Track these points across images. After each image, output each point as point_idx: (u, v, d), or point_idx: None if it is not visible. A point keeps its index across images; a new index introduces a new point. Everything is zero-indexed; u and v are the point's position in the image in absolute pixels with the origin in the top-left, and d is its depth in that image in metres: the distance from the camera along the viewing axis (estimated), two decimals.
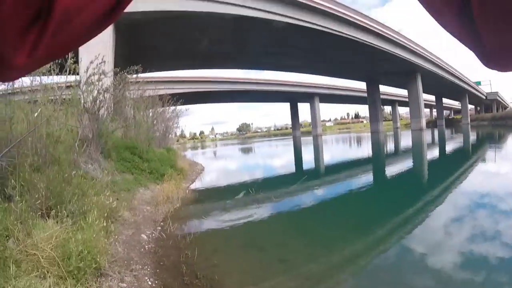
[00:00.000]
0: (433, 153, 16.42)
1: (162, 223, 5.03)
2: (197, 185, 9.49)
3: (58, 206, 3.60)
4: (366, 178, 10.16)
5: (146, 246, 4.02)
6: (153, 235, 4.49)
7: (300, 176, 9.43)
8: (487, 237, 4.00)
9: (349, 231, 4.77)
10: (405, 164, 12.95)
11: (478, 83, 70.15)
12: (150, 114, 12.08)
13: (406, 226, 4.77)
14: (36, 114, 4.07)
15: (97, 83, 7.27)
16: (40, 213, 3.37)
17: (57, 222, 3.46)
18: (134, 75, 10.73)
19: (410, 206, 5.86)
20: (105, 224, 3.76)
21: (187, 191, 7.56)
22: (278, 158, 20.08)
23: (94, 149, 6.47)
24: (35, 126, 4.00)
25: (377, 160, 14.99)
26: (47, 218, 3.52)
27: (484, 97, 73.08)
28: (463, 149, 17.89)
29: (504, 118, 58.69)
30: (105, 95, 7.76)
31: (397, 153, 17.87)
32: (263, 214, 6.22)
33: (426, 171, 10.66)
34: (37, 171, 3.92)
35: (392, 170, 11.45)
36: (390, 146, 23.44)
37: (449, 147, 19.90)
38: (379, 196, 7.25)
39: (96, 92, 7.30)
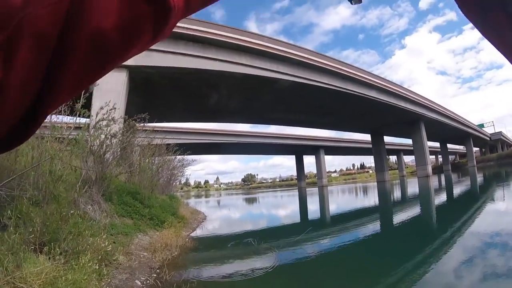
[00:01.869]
0: (441, 198, 16.02)
1: (158, 270, 4.77)
2: (197, 233, 9.18)
3: (52, 243, 3.47)
4: (373, 227, 9.72)
5: None
6: (148, 282, 4.23)
7: (305, 227, 9.08)
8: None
9: (353, 281, 4.48)
10: (414, 211, 12.52)
11: (481, 125, 70.71)
12: (156, 162, 12.17)
13: (415, 272, 4.49)
14: (40, 151, 4.12)
15: (105, 128, 7.47)
16: (33, 247, 3.25)
17: (49, 258, 3.31)
18: (142, 123, 11.05)
19: (418, 254, 5.56)
20: (97, 267, 3.59)
21: (187, 239, 7.28)
22: (282, 209, 19.62)
23: (96, 190, 6.41)
24: (39, 161, 4.03)
25: (385, 209, 14.50)
26: (39, 253, 3.38)
27: (489, 139, 73.12)
28: (470, 191, 17.54)
29: (510, 156, 57.87)
30: (112, 140, 7.91)
31: (405, 201, 17.42)
32: (264, 267, 5.89)
33: (435, 217, 10.23)
34: (35, 205, 3.86)
35: (400, 218, 11.02)
36: (397, 194, 22.86)
37: (457, 190, 19.54)
38: (387, 246, 6.88)
39: (103, 136, 7.47)
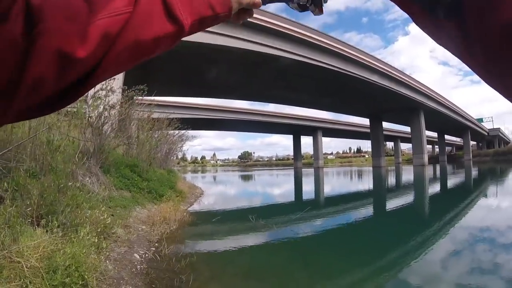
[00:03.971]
0: (435, 188, 16.24)
1: (156, 244, 4.76)
2: (195, 208, 9.20)
3: (50, 216, 3.40)
4: (368, 211, 9.85)
5: (138, 267, 3.76)
6: (147, 255, 4.22)
7: (302, 207, 9.15)
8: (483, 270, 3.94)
9: (350, 261, 4.54)
10: (408, 199, 12.66)
11: (480, 120, 70.95)
12: (156, 135, 12.02)
13: (405, 256, 4.63)
14: (38, 121, 3.98)
15: (104, 98, 7.26)
16: (30, 220, 3.17)
17: (46, 231, 3.25)
18: (141, 96, 10.78)
19: (409, 239, 5.71)
20: (96, 240, 3.54)
21: (185, 213, 7.28)
22: (279, 188, 19.78)
23: (94, 162, 6.32)
24: (36, 132, 3.89)
25: (380, 194, 14.65)
26: (36, 226, 3.31)
27: (486, 134, 73.81)
28: (465, 185, 17.76)
29: (506, 153, 58.58)
30: (111, 112, 7.73)
31: (400, 187, 17.62)
32: (262, 242, 5.95)
33: (429, 206, 10.39)
34: (32, 177, 3.76)
35: (395, 203, 11.24)
36: (392, 181, 23.10)
37: (451, 182, 19.73)
38: (381, 229, 7.02)
39: (102, 107, 7.28)
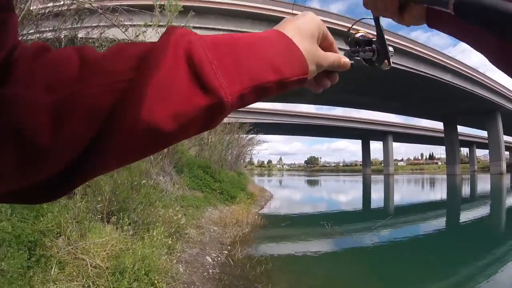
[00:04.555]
0: None
1: (229, 247, 4.42)
2: (266, 211, 8.80)
3: (121, 213, 3.26)
4: (448, 222, 8.37)
5: (211, 271, 3.42)
6: (219, 259, 3.89)
7: (375, 216, 8.20)
8: None
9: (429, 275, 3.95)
10: (491, 211, 10.66)
11: None
12: (227, 138, 12.07)
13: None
14: None
15: None
16: (100, 216, 3.05)
17: (116, 228, 3.10)
18: None
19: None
20: (170, 241, 3.30)
21: (257, 216, 6.90)
22: (348, 195, 18.59)
23: (168, 162, 6.35)
24: None
25: (458, 205, 12.47)
26: (106, 223, 3.19)
27: None
28: None
29: None
30: None
31: (481, 200, 14.74)
32: (339, 250, 5.29)
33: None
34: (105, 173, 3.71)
35: (475, 215, 9.66)
36: (472, 192, 19.57)
37: None
38: (460, 242, 6.18)
39: None
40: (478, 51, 0.40)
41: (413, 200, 15.13)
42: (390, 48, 0.51)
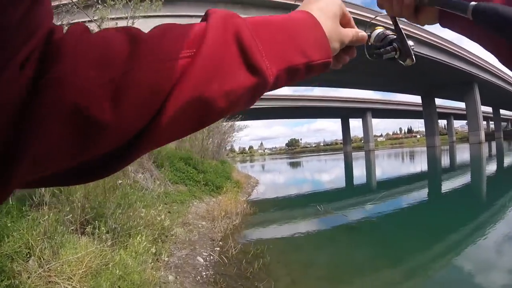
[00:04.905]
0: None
1: (221, 243, 4.12)
2: (254, 197, 8.56)
3: (97, 221, 2.87)
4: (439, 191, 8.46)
5: (204, 273, 3.12)
6: (212, 258, 3.59)
7: (362, 192, 8.17)
8: None
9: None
10: (471, 180, 10.96)
11: None
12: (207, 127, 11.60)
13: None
14: None
15: None
16: (73, 227, 2.66)
17: (93, 239, 2.72)
18: None
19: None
20: (154, 249, 2.95)
21: (245, 204, 6.63)
22: (333, 174, 18.68)
23: (146, 157, 5.90)
24: None
25: (443, 178, 12.71)
26: (81, 234, 2.80)
27: None
28: None
29: None
30: None
31: (462, 169, 15.14)
32: (337, 231, 5.12)
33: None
34: None
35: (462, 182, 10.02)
36: (452, 162, 19.99)
37: None
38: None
39: None
40: (491, 53, 0.42)
41: (401, 173, 15.30)
42: (411, 43, 0.50)
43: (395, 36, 0.51)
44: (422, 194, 8.65)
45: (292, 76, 0.36)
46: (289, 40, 0.34)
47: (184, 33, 0.30)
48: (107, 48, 0.26)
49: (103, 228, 2.69)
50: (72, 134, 0.25)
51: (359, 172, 18.12)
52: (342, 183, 13.23)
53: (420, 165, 19.74)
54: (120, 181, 3.91)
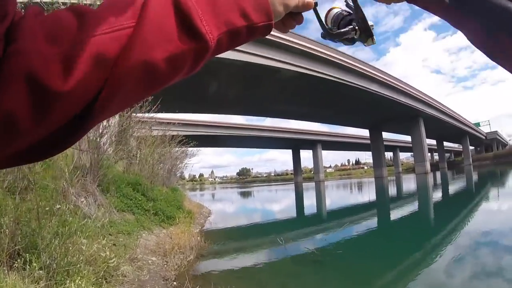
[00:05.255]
0: (450, 197, 15.34)
1: (175, 283, 3.62)
2: (208, 229, 8.03)
3: (29, 254, 2.32)
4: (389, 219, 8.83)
5: None
6: None
7: (318, 222, 8.22)
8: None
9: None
10: (422, 205, 12.04)
11: (477, 124, 71.45)
12: (158, 151, 10.95)
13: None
14: None
15: None
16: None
17: (23, 278, 2.16)
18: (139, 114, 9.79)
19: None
20: None
21: (199, 237, 6.13)
22: (287, 204, 18.73)
23: (90, 180, 5.23)
24: None
25: (396, 205, 13.65)
26: (9, 269, 2.23)
27: (484, 137, 74.03)
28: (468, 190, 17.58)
29: (506, 155, 58.22)
30: (109, 121, 6.70)
31: (412, 197, 16.67)
32: (301, 265, 4.89)
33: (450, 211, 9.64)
34: (9, 195, 2.68)
35: (410, 210, 10.82)
36: (401, 191, 21.85)
37: (457, 187, 19.71)
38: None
39: None
40: (458, 29, 0.43)
41: (355, 203, 16.10)
42: (370, 23, 0.48)
43: (353, 16, 0.48)
44: (374, 221, 9.09)
45: (234, 40, 0.36)
46: (229, 3, 0.35)
47: (127, 4, 0.31)
48: (57, 24, 0.29)
49: (35, 264, 2.15)
50: (28, 101, 0.26)
51: (312, 202, 18.53)
52: (294, 213, 13.37)
53: (371, 194, 20.86)
54: (58, 206, 3.31)
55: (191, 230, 6.46)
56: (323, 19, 0.50)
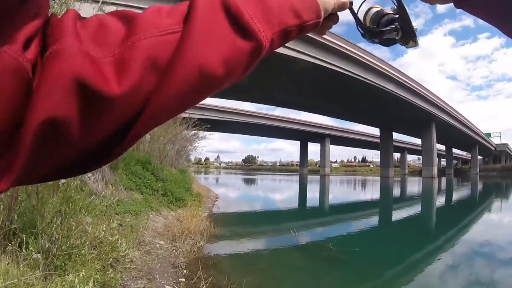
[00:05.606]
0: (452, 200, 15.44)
1: (185, 271, 3.33)
2: (216, 214, 7.77)
3: (26, 235, 2.02)
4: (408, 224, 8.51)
5: None
6: None
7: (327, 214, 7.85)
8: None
9: None
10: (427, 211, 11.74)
11: (488, 134, 70.41)
12: (170, 131, 10.65)
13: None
14: None
15: None
16: None
17: (17, 263, 1.87)
18: None
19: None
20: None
21: (208, 222, 5.86)
22: (289, 193, 18.72)
23: None
24: None
25: (407, 204, 13.40)
26: (2, 252, 1.93)
27: (494, 149, 72.84)
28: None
29: None
30: None
31: (417, 199, 16.39)
32: (315, 254, 4.61)
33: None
34: None
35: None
36: (407, 193, 21.52)
37: (464, 193, 19.67)
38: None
39: None
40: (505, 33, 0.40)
41: (364, 199, 15.91)
42: (414, 24, 0.46)
43: (396, 15, 0.46)
44: (389, 218, 8.84)
45: (286, 38, 0.36)
46: (282, 2, 0.35)
47: (174, 8, 0.31)
48: (103, 27, 0.27)
49: (31, 248, 1.85)
50: (77, 106, 0.24)
51: (319, 194, 18.37)
52: (301, 204, 13.21)
53: (379, 193, 20.74)
54: (63, 181, 3.01)
55: (200, 214, 6.19)
56: (361, 18, 0.47)
